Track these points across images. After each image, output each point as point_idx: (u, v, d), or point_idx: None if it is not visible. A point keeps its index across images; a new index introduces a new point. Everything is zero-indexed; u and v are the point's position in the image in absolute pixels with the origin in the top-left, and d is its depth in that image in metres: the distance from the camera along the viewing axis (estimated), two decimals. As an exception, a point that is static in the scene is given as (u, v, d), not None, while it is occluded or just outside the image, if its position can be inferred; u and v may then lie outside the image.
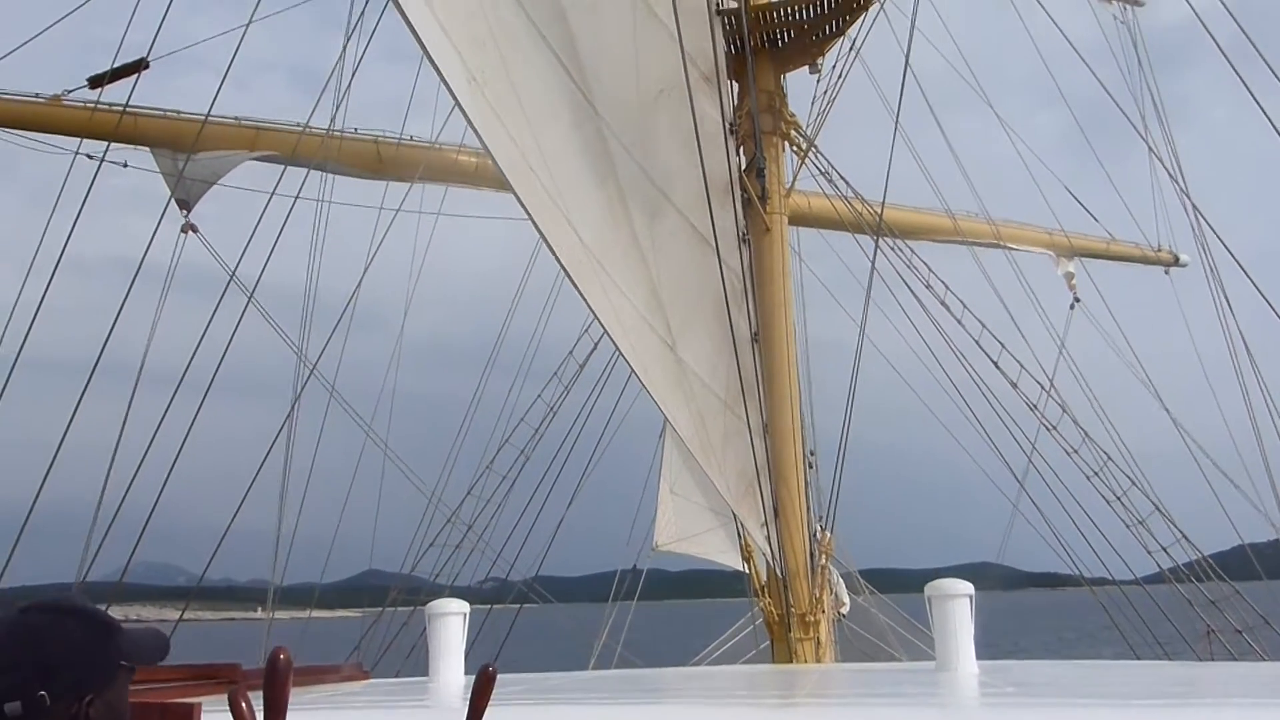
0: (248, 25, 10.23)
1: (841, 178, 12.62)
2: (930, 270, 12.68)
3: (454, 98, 7.10)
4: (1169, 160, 14.57)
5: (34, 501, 9.49)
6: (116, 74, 11.61)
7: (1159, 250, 20.10)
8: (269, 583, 13.00)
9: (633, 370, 8.69)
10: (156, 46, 10.92)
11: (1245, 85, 9.25)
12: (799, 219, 14.06)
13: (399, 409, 15.65)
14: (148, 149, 12.78)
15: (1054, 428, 12.77)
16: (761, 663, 11.84)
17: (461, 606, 6.78)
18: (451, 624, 6.62)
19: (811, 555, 10.77)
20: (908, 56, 11.59)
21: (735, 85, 11.17)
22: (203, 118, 11.45)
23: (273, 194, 10.23)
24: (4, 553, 9.56)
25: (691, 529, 15.23)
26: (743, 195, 9.83)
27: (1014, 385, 12.51)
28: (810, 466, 12.54)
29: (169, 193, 12.75)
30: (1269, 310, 10.68)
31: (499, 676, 2.33)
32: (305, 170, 11.74)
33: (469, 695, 2.33)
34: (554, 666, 8.30)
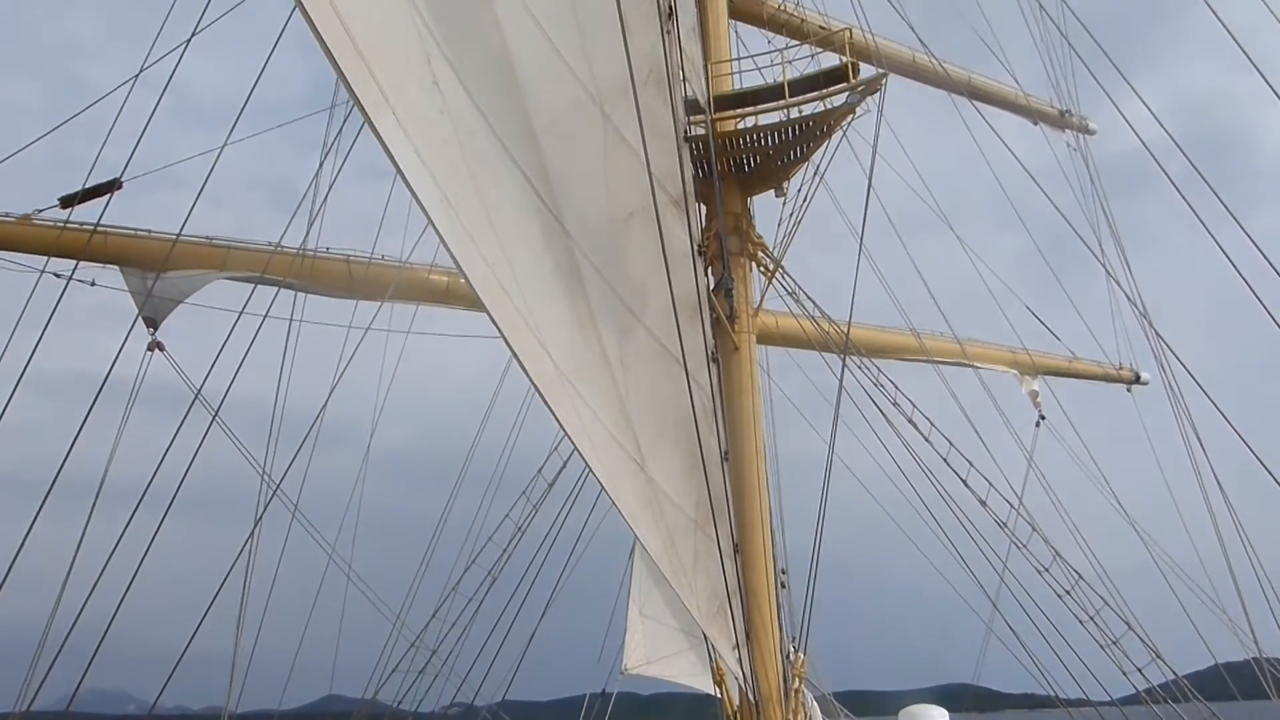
0: (221, 149, 10.39)
1: (808, 297, 12.85)
2: (897, 388, 12.82)
3: (429, 219, 7.19)
4: (1126, 282, 14.97)
5: (-22, 626, 9.15)
6: (89, 194, 11.66)
7: (1120, 368, 20.46)
8: (224, 709, 12.50)
9: (603, 488, 8.61)
10: (132, 165, 11.04)
11: (1196, 214, 9.60)
12: (767, 338, 14.23)
13: (364, 526, 15.39)
14: (116, 267, 12.77)
15: (1024, 546, 12.75)
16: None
17: None
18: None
19: (785, 678, 10.55)
20: (870, 180, 11.95)
21: (703, 208, 11.43)
22: (173, 238, 11.49)
23: (241, 312, 10.24)
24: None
25: (662, 651, 14.88)
26: (711, 314, 9.94)
27: (983, 503, 12.54)
28: (782, 586, 12.39)
29: (136, 310, 12.70)
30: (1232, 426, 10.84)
31: None
32: (275, 289, 11.77)
33: None
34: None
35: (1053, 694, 12.65)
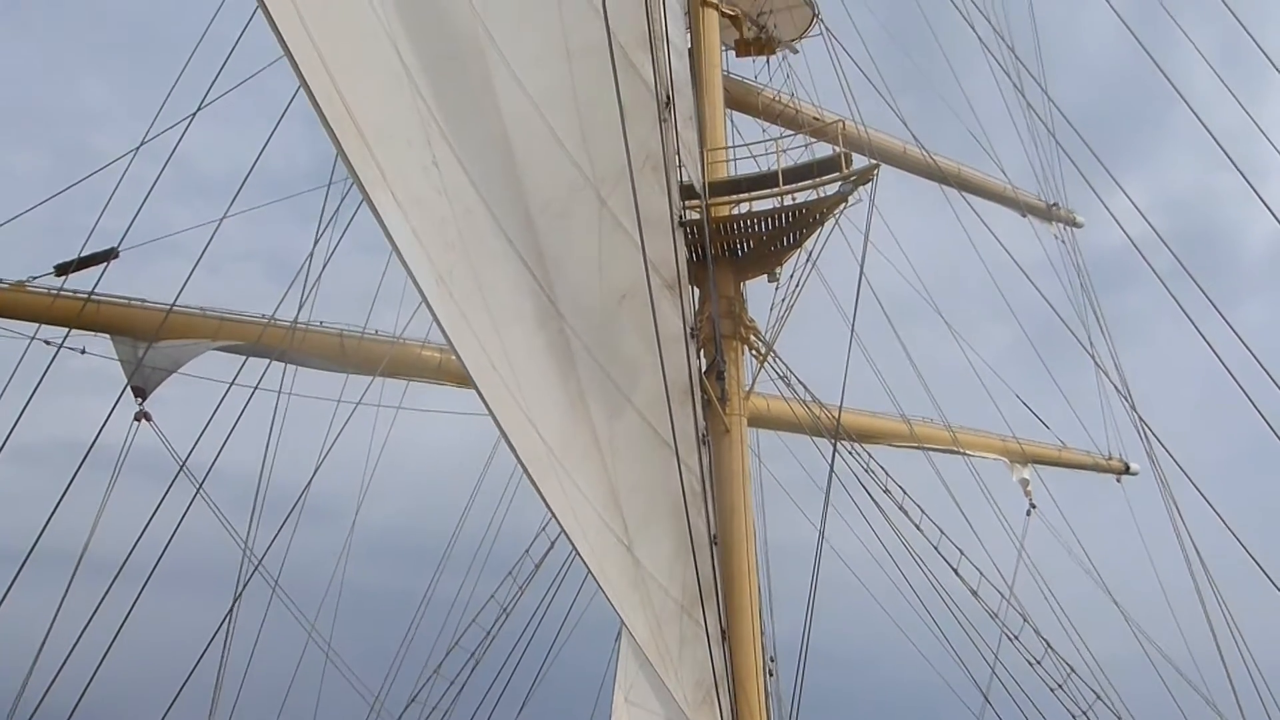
0: (220, 221, 10.48)
1: (800, 382, 12.88)
2: (888, 474, 12.78)
3: (423, 296, 7.22)
4: (1114, 374, 15.04)
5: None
6: (84, 263, 11.71)
7: (1110, 459, 20.44)
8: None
9: (589, 570, 8.49)
10: (130, 234, 11.10)
11: (1182, 308, 9.70)
12: (758, 421, 14.21)
13: (346, 604, 15.12)
14: (108, 336, 12.76)
15: (1016, 637, 12.58)
16: None
17: None
18: None
19: (772, 771, 10.30)
20: (862, 268, 12.07)
21: (697, 291, 11.52)
22: (166, 308, 11.51)
23: (231, 384, 10.20)
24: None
25: (647, 740, 14.51)
26: (703, 397, 9.95)
27: (974, 593, 12.40)
28: (770, 674, 12.17)
29: (125, 378, 12.64)
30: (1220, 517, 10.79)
31: None
32: (267, 360, 11.75)
33: None
34: None
35: (1048, 793, 12.34)
